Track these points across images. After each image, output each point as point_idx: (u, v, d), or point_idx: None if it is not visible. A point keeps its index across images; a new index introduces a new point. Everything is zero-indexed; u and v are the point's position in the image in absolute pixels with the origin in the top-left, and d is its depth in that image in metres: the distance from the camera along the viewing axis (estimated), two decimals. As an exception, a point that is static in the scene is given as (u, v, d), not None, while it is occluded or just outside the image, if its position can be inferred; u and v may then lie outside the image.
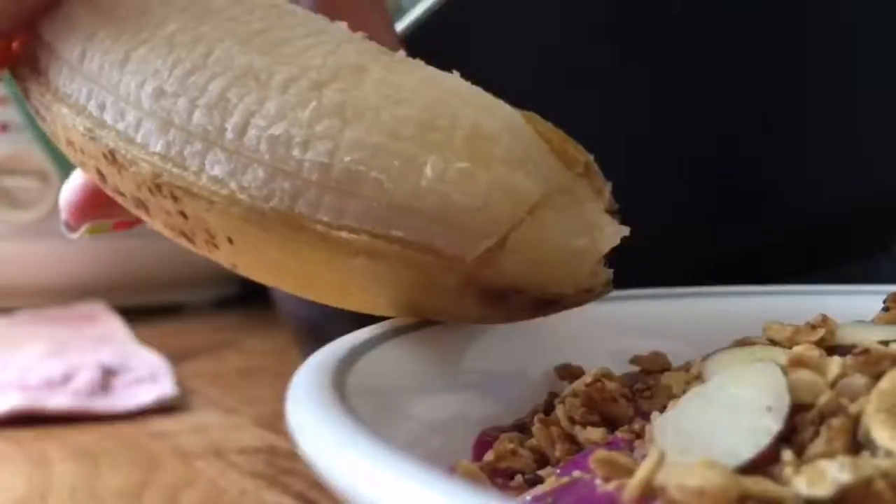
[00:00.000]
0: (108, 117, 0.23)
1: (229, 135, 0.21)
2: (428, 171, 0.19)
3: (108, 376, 0.44)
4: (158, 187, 0.22)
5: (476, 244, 0.19)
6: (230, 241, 0.22)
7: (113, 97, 0.23)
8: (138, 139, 0.22)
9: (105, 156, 0.23)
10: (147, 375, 0.45)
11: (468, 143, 0.19)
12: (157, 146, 0.22)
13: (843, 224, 0.36)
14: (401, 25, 0.32)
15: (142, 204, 0.24)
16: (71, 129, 0.24)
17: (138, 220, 0.27)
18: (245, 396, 0.46)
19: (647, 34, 0.32)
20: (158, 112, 0.22)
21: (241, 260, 0.23)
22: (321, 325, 0.44)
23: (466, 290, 0.20)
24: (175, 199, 0.22)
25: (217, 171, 0.21)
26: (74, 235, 0.30)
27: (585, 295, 0.21)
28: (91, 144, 0.24)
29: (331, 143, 0.20)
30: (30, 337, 0.53)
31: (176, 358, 0.51)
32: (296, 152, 0.20)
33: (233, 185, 0.21)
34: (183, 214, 0.22)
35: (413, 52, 0.22)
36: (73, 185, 0.30)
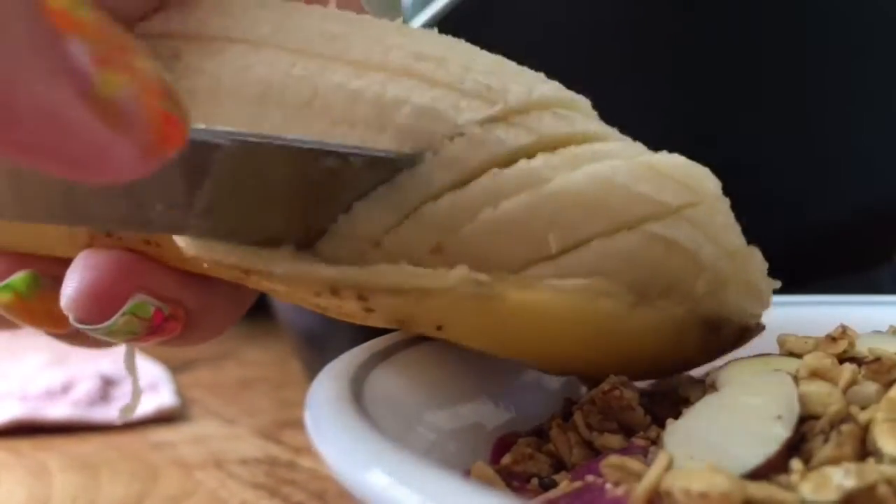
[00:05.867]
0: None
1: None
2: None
3: (107, 386, 0.44)
4: (335, 291, 0.20)
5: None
6: (439, 327, 0.21)
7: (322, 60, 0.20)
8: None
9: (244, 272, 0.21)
10: (147, 385, 0.44)
11: None
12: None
13: (843, 234, 0.36)
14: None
15: None
16: None
17: (178, 320, 0.23)
18: (245, 407, 0.45)
19: (651, 44, 0.32)
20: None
21: (447, 336, 0.21)
22: (321, 335, 0.43)
23: (690, 322, 0.21)
24: (363, 298, 0.20)
25: None
26: (102, 326, 0.22)
27: (758, 328, 0.23)
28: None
29: None
30: (30, 347, 0.52)
31: (176, 368, 0.51)
32: None
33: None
34: (368, 310, 0.20)
35: None
36: (92, 267, 0.22)
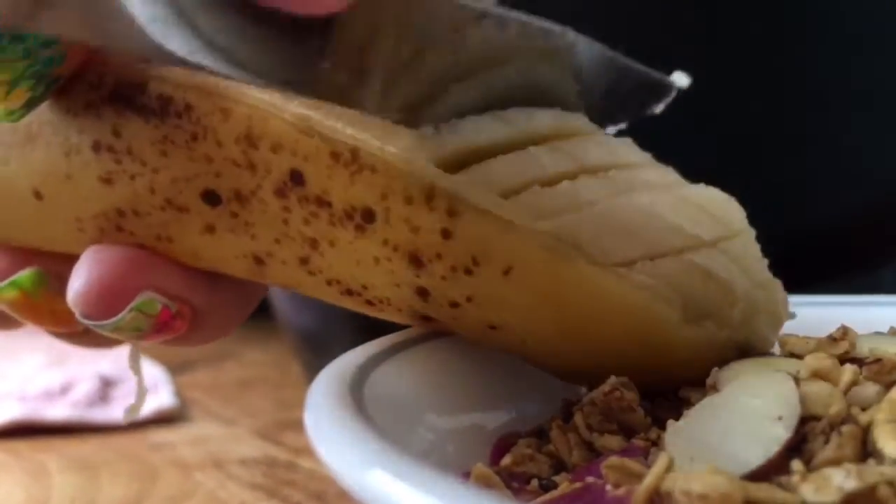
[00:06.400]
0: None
1: None
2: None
3: (106, 387, 0.44)
4: (430, 198, 0.19)
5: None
6: (506, 271, 0.19)
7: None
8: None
9: (335, 155, 0.19)
10: (146, 386, 0.44)
11: None
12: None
13: (843, 234, 0.36)
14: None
15: (348, 219, 0.19)
16: (266, 121, 0.19)
17: (184, 318, 0.23)
18: (244, 407, 0.45)
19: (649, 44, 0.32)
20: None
21: (506, 292, 0.20)
22: (321, 335, 0.43)
23: (728, 348, 0.22)
24: (453, 214, 0.19)
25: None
26: (108, 322, 0.22)
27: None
28: (307, 141, 0.19)
29: None
30: (29, 347, 0.52)
31: (175, 369, 0.51)
32: None
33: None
34: (446, 234, 0.19)
35: None
36: (101, 261, 0.22)
